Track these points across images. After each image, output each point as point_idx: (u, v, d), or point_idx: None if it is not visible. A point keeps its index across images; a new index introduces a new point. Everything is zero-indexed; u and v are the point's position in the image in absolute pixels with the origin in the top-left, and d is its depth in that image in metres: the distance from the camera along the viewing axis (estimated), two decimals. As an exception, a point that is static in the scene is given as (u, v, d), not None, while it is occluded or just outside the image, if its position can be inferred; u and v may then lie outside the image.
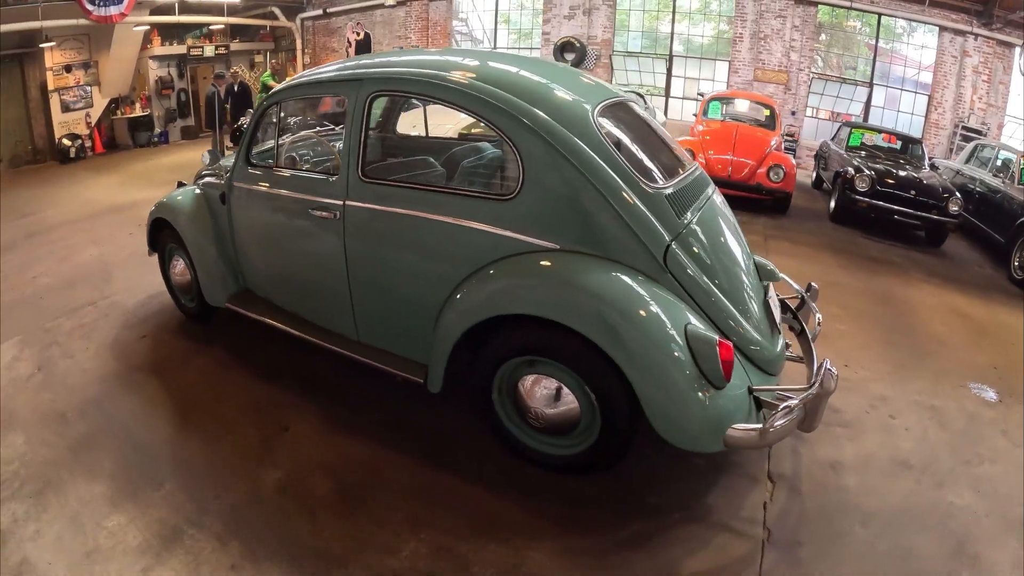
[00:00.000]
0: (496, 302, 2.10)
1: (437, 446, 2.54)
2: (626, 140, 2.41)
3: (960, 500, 2.41)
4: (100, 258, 5.03)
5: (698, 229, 2.28)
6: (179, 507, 2.21)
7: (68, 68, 11.70)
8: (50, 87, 11.62)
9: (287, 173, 2.88)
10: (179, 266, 3.53)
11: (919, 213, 6.41)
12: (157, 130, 12.58)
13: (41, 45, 11.09)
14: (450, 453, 2.49)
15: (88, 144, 12.02)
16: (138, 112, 12.35)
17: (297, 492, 2.28)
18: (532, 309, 2.05)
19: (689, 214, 2.28)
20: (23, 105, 12.03)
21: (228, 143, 9.41)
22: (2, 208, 7.04)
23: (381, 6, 13.60)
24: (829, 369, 1.99)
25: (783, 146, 8.34)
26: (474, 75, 2.33)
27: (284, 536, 2.07)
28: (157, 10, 11.39)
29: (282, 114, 2.99)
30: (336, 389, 2.95)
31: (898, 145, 8.10)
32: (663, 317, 1.98)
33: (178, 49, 13.04)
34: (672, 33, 11.80)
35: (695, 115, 8.79)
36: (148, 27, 11.99)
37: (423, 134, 4.08)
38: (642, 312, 1.98)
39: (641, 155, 2.39)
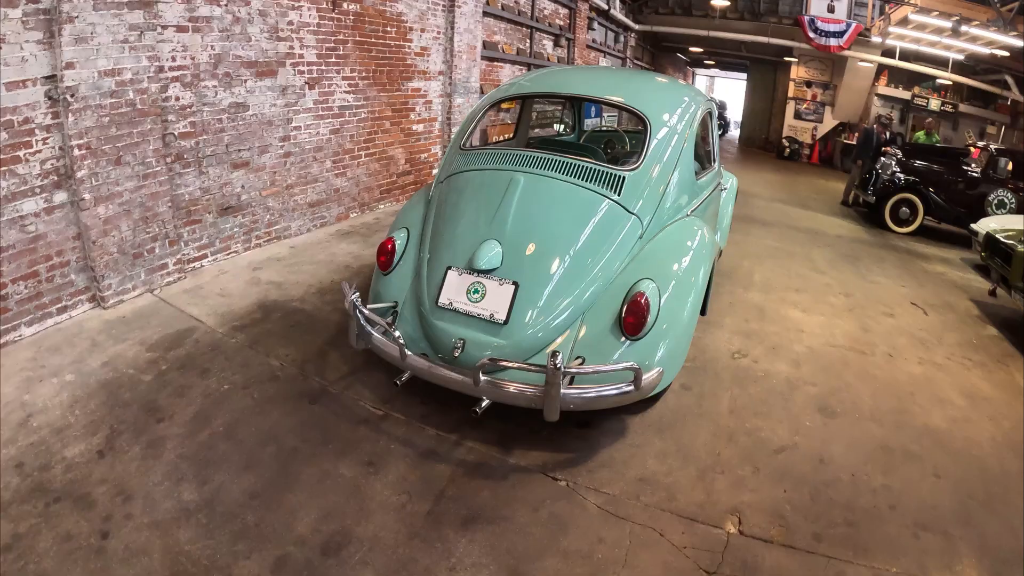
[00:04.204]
0: None
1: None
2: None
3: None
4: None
5: (468, 179, 2.87)
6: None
7: (808, 84, 14.69)
8: (789, 94, 15.07)
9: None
10: None
11: None
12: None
13: (786, 59, 14.41)
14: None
15: (805, 152, 15.04)
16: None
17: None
18: None
19: (469, 167, 2.92)
20: (769, 102, 16.34)
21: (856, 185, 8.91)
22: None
23: None
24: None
25: None
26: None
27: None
28: (887, 52, 12.25)
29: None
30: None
31: None
32: (405, 215, 3.11)
33: (904, 94, 13.48)
34: None
35: None
36: (878, 65, 13.11)
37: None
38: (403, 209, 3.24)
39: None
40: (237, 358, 3.10)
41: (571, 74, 3.76)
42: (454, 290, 2.49)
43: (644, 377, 2.25)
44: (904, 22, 10.64)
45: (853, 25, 11.90)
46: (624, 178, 2.72)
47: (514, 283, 2.44)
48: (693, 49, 17.91)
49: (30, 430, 2.46)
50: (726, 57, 19.07)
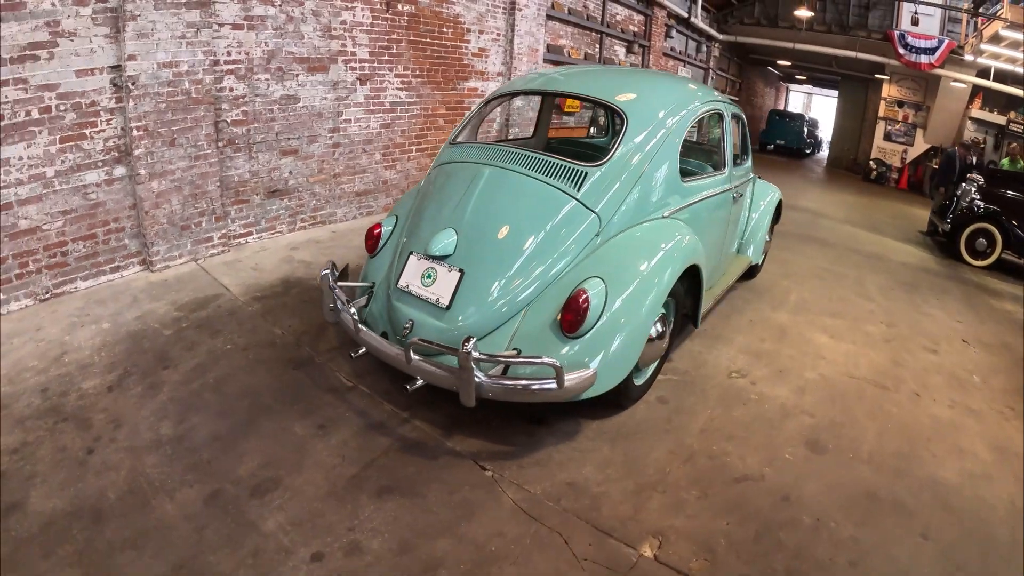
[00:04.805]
0: None
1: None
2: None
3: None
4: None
5: (447, 171, 3.07)
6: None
7: (900, 104, 13.75)
8: (879, 114, 14.18)
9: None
10: None
11: None
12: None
13: (877, 76, 13.54)
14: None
15: (893, 176, 14.14)
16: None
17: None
18: None
19: (451, 159, 3.15)
20: (859, 121, 15.38)
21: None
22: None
23: None
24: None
25: None
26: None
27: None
28: (983, 72, 11.21)
29: None
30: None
31: None
32: (399, 204, 3.37)
33: (999, 118, 12.22)
34: None
35: None
36: (971, 86, 12.08)
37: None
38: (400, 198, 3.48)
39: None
40: (247, 324, 3.48)
41: (574, 73, 3.81)
42: (412, 273, 2.68)
43: (568, 377, 2.26)
44: (996, 39, 9.67)
45: (945, 42, 11.02)
46: (586, 174, 2.74)
47: (460, 271, 2.57)
48: (781, 62, 17.18)
49: (61, 364, 2.95)
50: (817, 72, 18.17)
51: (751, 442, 2.82)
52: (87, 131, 3.47)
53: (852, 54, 12.44)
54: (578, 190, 2.71)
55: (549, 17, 7.42)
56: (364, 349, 2.64)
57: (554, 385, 2.25)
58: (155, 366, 2.99)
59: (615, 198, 2.76)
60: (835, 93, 21.27)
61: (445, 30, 6.01)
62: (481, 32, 6.49)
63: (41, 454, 2.34)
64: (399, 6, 5.38)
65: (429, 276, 2.63)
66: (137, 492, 2.18)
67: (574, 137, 5.98)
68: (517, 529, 2.14)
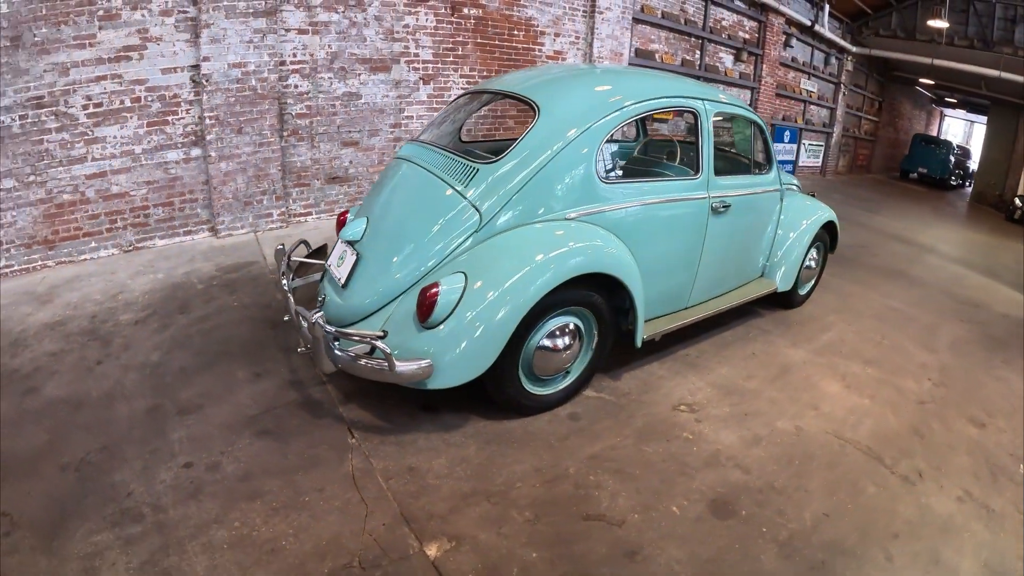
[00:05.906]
0: None
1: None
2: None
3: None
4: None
5: (390, 166, 3.51)
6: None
7: None
8: None
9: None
10: None
11: None
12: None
13: None
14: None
15: None
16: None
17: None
18: None
19: (398, 155, 3.50)
20: (1007, 153, 13.19)
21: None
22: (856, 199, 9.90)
23: None
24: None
25: None
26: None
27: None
28: None
29: None
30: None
31: None
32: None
33: None
34: None
35: None
36: None
37: None
38: None
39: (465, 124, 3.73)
40: (260, 287, 4.27)
41: (546, 72, 3.79)
42: (336, 254, 3.17)
43: (402, 363, 2.47)
44: None
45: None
46: (477, 171, 2.87)
47: (358, 255, 2.96)
48: (925, 81, 15.03)
49: (115, 300, 3.94)
50: (969, 95, 15.72)
51: (641, 483, 2.57)
52: (169, 118, 4.51)
53: (995, 73, 10.61)
54: (465, 186, 2.86)
55: (638, 20, 7.48)
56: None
57: (387, 367, 2.48)
58: (175, 311, 3.86)
59: (504, 195, 2.82)
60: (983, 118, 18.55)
61: (516, 32, 6.45)
62: (557, 35, 6.81)
63: (67, 359, 3.25)
64: (464, 10, 5.93)
65: (342, 258, 3.09)
66: (111, 396, 2.96)
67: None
68: (337, 491, 2.39)
